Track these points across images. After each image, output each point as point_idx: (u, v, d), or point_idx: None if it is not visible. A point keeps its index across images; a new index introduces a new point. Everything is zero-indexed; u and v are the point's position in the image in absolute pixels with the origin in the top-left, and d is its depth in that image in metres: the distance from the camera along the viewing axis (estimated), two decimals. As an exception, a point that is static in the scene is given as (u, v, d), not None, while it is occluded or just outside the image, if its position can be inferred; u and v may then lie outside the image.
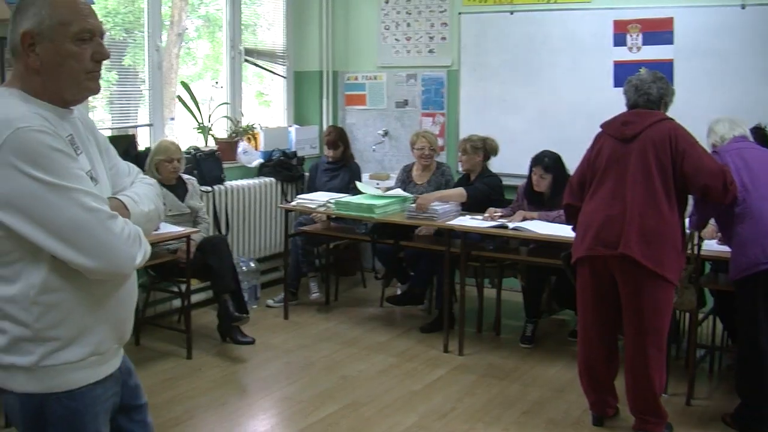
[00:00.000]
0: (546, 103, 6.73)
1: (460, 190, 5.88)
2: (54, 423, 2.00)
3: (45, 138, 1.87)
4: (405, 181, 6.41)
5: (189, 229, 5.40)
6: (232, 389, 4.88)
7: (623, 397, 4.23)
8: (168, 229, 5.26)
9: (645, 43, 6.33)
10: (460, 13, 7.08)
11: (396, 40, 7.49)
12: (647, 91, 4.06)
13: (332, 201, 5.91)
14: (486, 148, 6.00)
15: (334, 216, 6.13)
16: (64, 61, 1.98)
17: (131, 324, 2.18)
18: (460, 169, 6.20)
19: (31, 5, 1.97)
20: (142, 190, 2.19)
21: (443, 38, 7.26)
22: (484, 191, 5.88)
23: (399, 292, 6.56)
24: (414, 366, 5.26)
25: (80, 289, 1.97)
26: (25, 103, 1.95)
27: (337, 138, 6.88)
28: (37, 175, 1.83)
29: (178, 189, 5.67)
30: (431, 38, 7.32)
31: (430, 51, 7.34)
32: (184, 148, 6.07)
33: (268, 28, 7.73)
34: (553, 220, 5.25)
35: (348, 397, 4.71)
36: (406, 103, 7.51)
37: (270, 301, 6.59)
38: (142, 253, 2.01)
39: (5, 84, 2.05)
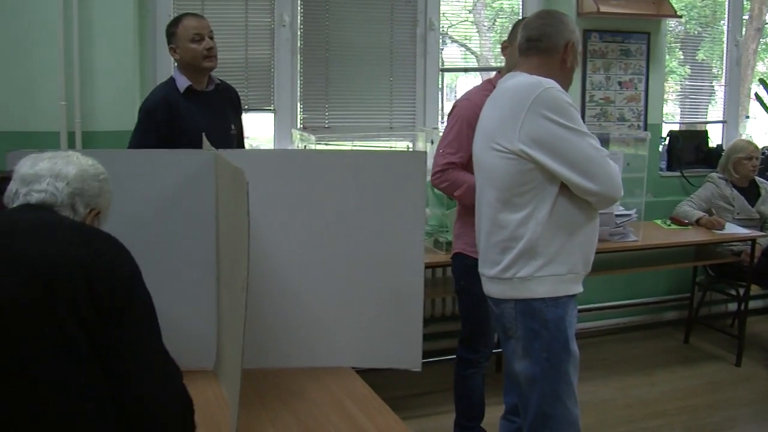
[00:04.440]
0: None
1: None
2: (545, 325, 2.58)
3: (564, 96, 2.54)
4: None
5: (756, 233, 5.26)
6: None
7: None
8: (733, 230, 5.23)
9: None
10: None
11: None
12: None
13: None
14: None
15: None
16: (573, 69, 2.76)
17: (593, 256, 2.68)
18: None
19: (568, 22, 2.71)
20: None
21: None
22: None
23: None
24: None
25: (572, 218, 2.57)
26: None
27: None
28: (560, 121, 2.49)
29: (749, 192, 5.55)
30: None
31: None
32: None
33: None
34: None
35: None
36: None
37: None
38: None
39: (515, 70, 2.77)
